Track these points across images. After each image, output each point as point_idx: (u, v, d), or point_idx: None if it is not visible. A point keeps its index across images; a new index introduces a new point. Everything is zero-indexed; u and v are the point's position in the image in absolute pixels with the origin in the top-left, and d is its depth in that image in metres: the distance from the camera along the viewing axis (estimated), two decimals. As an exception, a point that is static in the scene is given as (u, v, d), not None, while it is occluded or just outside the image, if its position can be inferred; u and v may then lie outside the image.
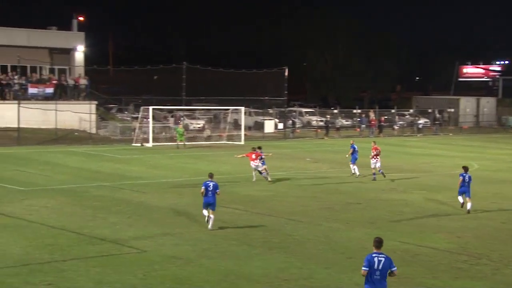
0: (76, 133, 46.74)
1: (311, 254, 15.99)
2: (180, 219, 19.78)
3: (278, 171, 31.70)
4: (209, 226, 18.11)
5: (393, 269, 10.67)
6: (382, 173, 29.10)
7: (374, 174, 29.02)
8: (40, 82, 48.41)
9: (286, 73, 53.26)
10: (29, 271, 13.99)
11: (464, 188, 21.66)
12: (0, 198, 22.59)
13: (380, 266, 10.55)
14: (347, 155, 30.67)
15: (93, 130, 47.77)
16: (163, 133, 48.82)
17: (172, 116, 54.59)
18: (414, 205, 23.23)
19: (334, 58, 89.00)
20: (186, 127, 51.45)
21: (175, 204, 21.99)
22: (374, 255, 10.69)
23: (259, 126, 56.20)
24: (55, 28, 54.78)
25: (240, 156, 29.70)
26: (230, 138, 48.90)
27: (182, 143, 43.20)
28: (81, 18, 59.23)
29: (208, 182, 18.12)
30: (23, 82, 47.51)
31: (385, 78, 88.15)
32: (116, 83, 74.09)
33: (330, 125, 57.48)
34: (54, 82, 48.91)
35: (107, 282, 13.41)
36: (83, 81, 50.56)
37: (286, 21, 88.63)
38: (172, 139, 45.81)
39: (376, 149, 29.04)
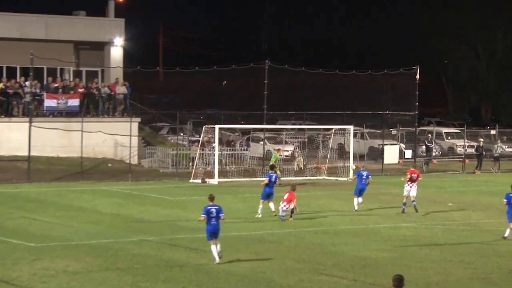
0: (109, 164, 47.75)
1: None
2: (258, 291, 19.78)
3: (403, 222, 31.20)
4: (217, 259, 21.76)
5: None
6: (414, 206, 32.22)
7: (404, 204, 32.36)
8: (61, 90, 49.64)
9: (418, 76, 52.58)
10: None
11: None
12: (3, 258, 23.11)
13: None
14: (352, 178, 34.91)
15: (134, 160, 48.69)
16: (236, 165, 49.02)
17: (247, 139, 54.98)
18: None
19: (490, 53, 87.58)
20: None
21: (252, 269, 21.97)
22: None
23: (376, 154, 55.75)
24: (83, 14, 56.17)
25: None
26: (332, 171, 48.63)
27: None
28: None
29: (209, 207, 21.79)
30: (37, 91, 48.80)
31: None
32: (168, 92, 75.70)
33: (484, 152, 56.37)
34: (80, 90, 50.02)
35: None
36: (122, 89, 51.55)
37: (415, 3, 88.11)
38: (247, 172, 46.10)
39: (412, 172, 32.16)
